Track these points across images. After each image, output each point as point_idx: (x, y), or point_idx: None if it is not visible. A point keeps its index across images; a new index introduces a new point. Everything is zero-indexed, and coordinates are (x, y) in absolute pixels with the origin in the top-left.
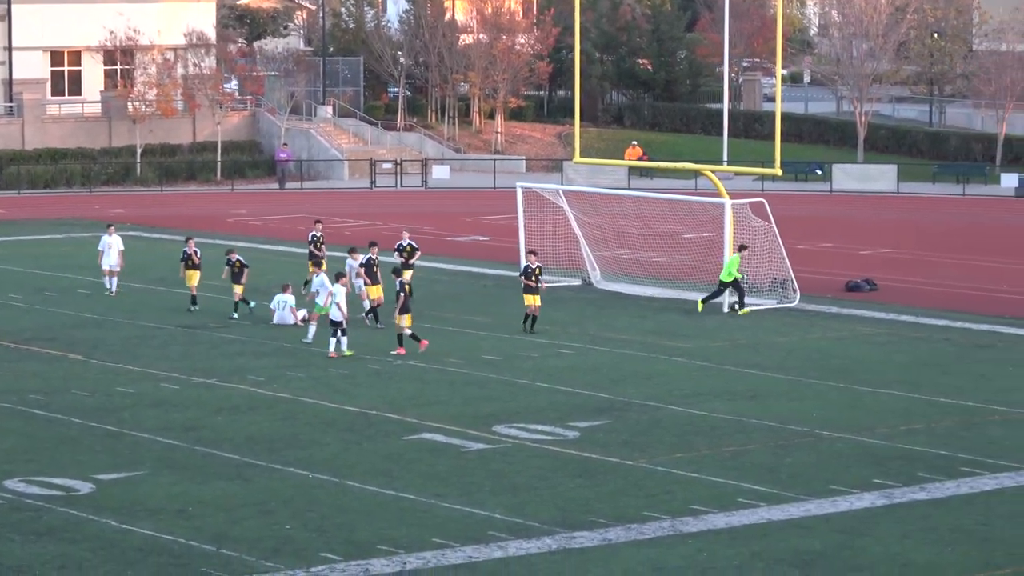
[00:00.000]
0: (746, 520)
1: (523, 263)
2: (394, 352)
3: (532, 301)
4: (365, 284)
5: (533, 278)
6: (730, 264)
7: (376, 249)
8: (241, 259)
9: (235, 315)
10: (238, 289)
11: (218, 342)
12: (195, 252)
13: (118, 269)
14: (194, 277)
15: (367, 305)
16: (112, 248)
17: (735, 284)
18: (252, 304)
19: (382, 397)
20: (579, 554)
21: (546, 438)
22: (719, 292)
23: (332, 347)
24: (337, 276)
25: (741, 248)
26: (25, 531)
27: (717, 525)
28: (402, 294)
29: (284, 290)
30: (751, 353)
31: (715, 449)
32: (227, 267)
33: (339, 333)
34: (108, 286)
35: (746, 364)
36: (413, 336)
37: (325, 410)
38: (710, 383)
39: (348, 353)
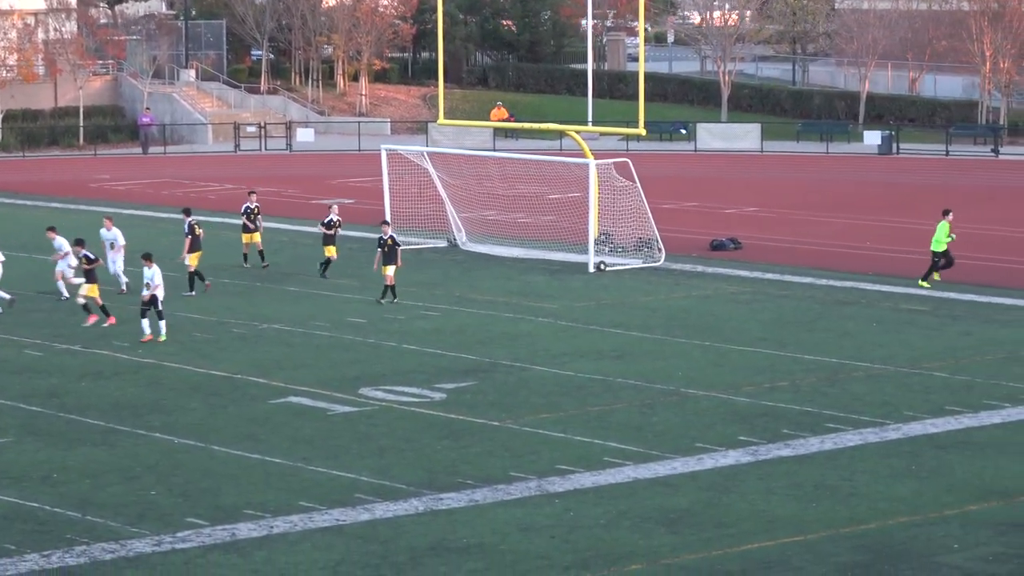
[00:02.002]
0: (612, 479)
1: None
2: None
3: (386, 271)
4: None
5: (386, 248)
6: (939, 232)
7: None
8: None
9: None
10: None
11: (80, 309)
12: None
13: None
14: None
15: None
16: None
17: (945, 253)
18: None
19: (248, 361)
20: (446, 515)
21: (413, 400)
22: (935, 265)
23: (147, 328)
24: (144, 256)
25: (946, 213)
26: None
27: (584, 484)
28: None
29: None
30: (616, 313)
31: (581, 409)
32: None
33: (151, 314)
34: None
35: (611, 324)
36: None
37: (190, 375)
38: (576, 343)
39: (160, 337)
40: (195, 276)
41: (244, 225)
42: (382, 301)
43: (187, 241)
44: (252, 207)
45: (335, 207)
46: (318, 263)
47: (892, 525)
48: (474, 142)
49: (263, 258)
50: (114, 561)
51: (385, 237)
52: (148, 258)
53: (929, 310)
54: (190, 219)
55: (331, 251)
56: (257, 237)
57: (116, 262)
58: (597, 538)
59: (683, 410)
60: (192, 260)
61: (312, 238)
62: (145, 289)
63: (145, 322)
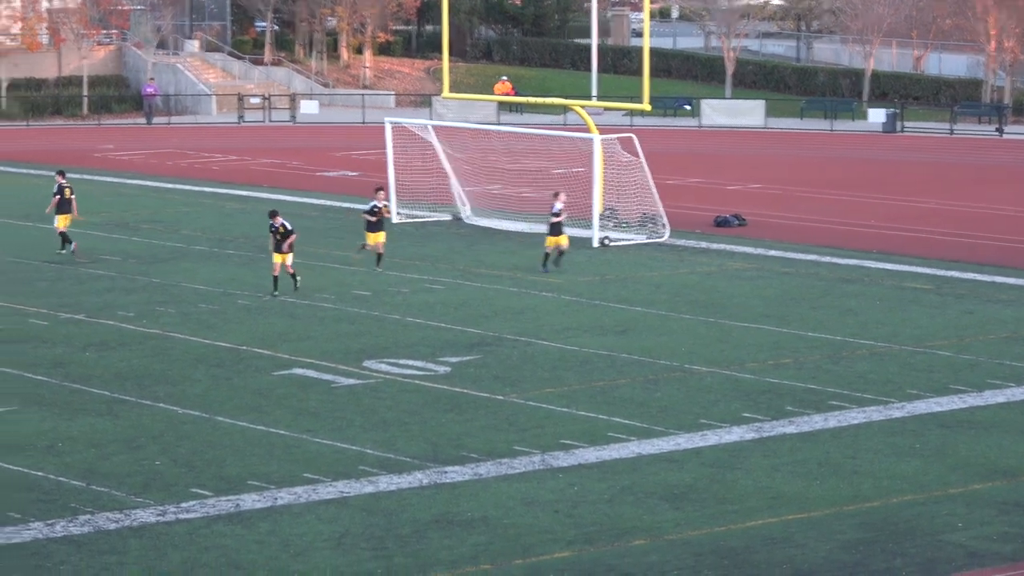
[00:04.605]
0: (616, 454)
1: (371, 202)
2: None
3: (375, 239)
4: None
5: (278, 236)
6: None
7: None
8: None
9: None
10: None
11: (85, 278)
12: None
13: None
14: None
15: None
16: None
17: None
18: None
19: (252, 333)
20: (450, 489)
21: (417, 373)
22: None
23: None
24: None
25: None
26: None
27: (588, 460)
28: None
29: None
30: (620, 288)
31: (586, 384)
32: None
33: None
34: None
35: (616, 299)
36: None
37: (195, 346)
38: (580, 318)
39: None
40: (63, 236)
41: (368, 223)
42: (296, 288)
43: (54, 201)
44: (380, 206)
45: (562, 195)
46: (544, 252)
47: (896, 503)
48: (478, 116)
49: (380, 262)
50: (118, 531)
51: (276, 225)
52: None
53: (932, 289)
54: (62, 181)
55: (559, 240)
56: (382, 238)
57: None
58: (601, 513)
59: (687, 386)
60: (61, 222)
61: (316, 210)
62: None
63: None
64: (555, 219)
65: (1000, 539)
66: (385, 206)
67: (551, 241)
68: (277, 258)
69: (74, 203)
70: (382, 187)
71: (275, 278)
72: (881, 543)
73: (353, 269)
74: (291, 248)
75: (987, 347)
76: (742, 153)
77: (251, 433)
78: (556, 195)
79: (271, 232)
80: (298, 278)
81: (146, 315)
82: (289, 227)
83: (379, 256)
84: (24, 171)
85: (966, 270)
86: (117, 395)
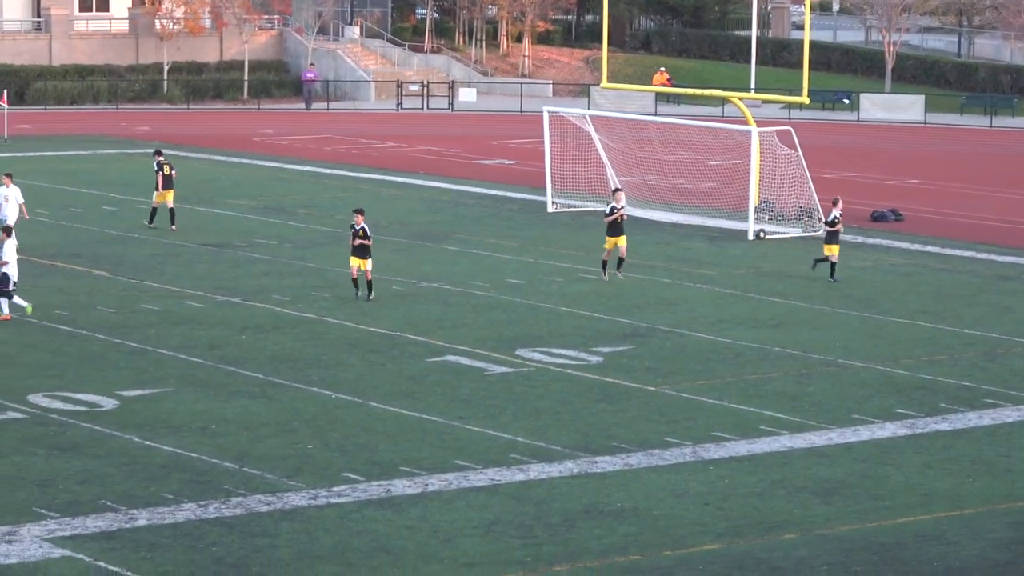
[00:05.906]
0: (768, 448)
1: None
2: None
3: (614, 242)
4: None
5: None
6: None
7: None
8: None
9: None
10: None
11: (242, 261)
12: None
13: (12, 223)
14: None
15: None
16: (9, 201)
17: None
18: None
19: (406, 319)
20: (600, 479)
21: (569, 363)
22: None
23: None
24: (3, 229)
25: None
26: (49, 445)
27: (739, 452)
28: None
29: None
30: (775, 281)
31: (738, 376)
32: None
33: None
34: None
35: (770, 292)
36: None
37: (350, 331)
38: (734, 310)
39: (2, 314)
40: (155, 212)
41: (608, 226)
42: (370, 298)
43: (159, 178)
44: (618, 207)
45: (840, 202)
46: (814, 259)
47: None
48: (636, 106)
49: (620, 266)
50: (270, 513)
51: (358, 227)
52: (7, 231)
53: None
54: (160, 159)
55: (833, 250)
56: (622, 242)
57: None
58: (751, 506)
59: (840, 381)
60: (159, 197)
61: (472, 198)
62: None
63: (12, 301)
64: (831, 228)
65: None
66: (623, 208)
67: (828, 249)
68: (354, 261)
69: (173, 178)
70: (620, 188)
71: (354, 281)
72: None
73: (506, 257)
74: (370, 253)
75: None
76: (900, 148)
77: (403, 419)
78: (835, 202)
79: (352, 232)
80: (372, 289)
81: (301, 299)
82: (369, 232)
83: (620, 260)
84: (184, 154)
85: None
86: (271, 378)
